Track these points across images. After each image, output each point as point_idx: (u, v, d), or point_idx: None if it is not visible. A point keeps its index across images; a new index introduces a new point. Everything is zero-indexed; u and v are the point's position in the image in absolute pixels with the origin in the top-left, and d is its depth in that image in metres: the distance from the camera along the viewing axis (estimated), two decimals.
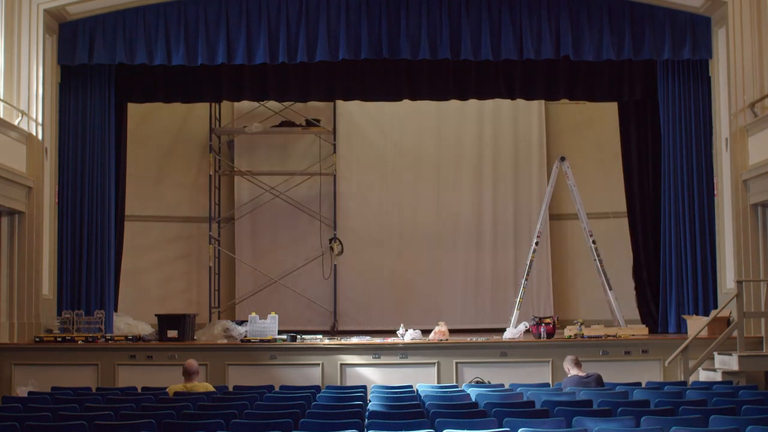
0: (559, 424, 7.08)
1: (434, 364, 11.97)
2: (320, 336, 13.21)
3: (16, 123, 11.96)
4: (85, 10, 12.77)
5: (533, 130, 16.89)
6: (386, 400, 8.53)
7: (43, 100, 12.40)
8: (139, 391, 9.65)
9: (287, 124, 16.25)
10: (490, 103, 16.22)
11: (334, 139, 16.42)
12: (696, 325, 12.00)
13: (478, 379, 11.51)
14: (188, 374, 9.31)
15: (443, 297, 16.38)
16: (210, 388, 9.40)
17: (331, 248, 16.00)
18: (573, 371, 9.67)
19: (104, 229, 13.20)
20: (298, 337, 12.69)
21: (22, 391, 10.64)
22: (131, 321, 13.50)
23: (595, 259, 14.27)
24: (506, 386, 9.87)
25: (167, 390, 9.17)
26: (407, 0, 12.88)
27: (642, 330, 13.17)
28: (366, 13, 12.85)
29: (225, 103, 16.48)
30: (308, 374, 11.88)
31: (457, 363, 11.96)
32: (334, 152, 16.24)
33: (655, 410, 7.63)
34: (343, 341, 12.60)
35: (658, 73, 13.57)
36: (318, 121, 16.36)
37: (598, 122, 16.53)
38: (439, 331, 12.58)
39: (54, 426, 7.12)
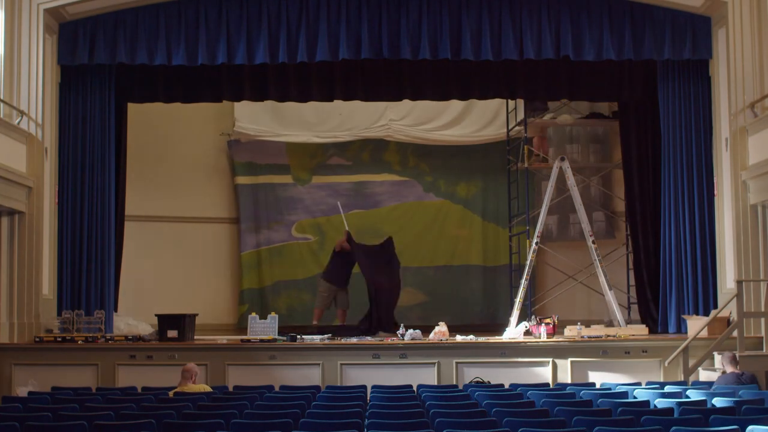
0: (559, 424, 7.09)
1: (434, 364, 11.97)
2: (319, 336, 13.21)
3: (16, 123, 11.96)
4: (85, 10, 12.76)
5: None
6: (386, 400, 8.54)
7: (43, 100, 12.40)
8: (139, 391, 9.65)
9: (595, 116, 16.06)
10: None
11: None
12: (696, 325, 12.00)
13: (478, 379, 11.51)
14: (183, 376, 9.36)
15: None
16: (207, 389, 9.41)
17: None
18: (729, 369, 9.74)
19: (104, 229, 13.19)
20: (298, 337, 12.70)
21: (22, 391, 10.64)
22: (132, 321, 13.50)
23: (595, 259, 14.28)
24: (506, 386, 9.87)
25: (169, 394, 9.19)
26: (407, 0, 12.90)
27: (642, 330, 13.18)
28: (366, 13, 12.86)
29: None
30: (308, 374, 11.86)
31: (457, 363, 11.96)
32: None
33: (656, 410, 7.64)
34: (343, 341, 12.61)
35: (658, 73, 13.56)
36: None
37: None
38: (439, 332, 12.58)
39: (54, 426, 7.12)
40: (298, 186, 17.18)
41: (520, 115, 16.52)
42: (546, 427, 6.98)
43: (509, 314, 13.99)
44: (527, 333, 12.86)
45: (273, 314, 12.72)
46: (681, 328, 12.88)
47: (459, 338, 12.49)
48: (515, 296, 14.30)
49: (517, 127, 16.35)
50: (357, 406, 7.91)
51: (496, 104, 16.36)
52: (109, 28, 12.80)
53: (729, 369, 9.76)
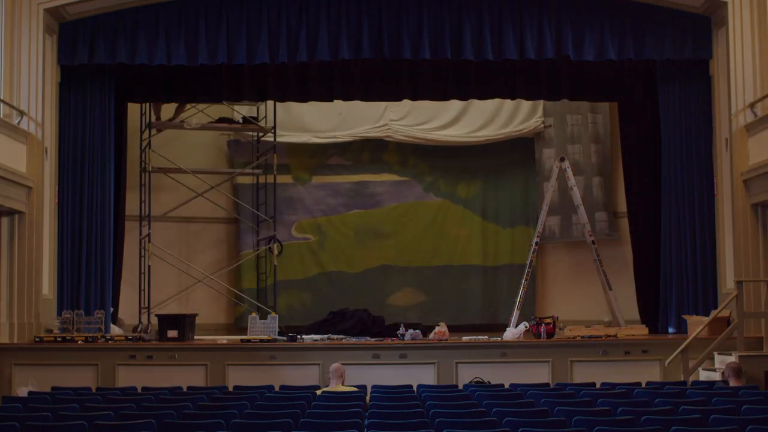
0: (559, 424, 7.08)
1: (434, 363, 11.96)
2: (319, 336, 13.21)
3: (16, 123, 11.96)
4: (85, 10, 12.77)
5: None
6: (386, 400, 8.53)
7: (43, 100, 12.40)
8: (139, 391, 9.64)
9: (225, 120, 15.95)
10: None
11: (274, 137, 15.80)
12: (696, 325, 12.00)
13: (478, 379, 11.51)
14: (334, 376, 9.33)
15: None
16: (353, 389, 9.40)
17: (271, 249, 15.74)
18: (732, 382, 9.44)
19: (104, 229, 13.20)
20: (298, 337, 12.70)
21: (22, 391, 10.63)
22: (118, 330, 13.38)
23: (595, 259, 14.28)
24: (506, 386, 9.87)
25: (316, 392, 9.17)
26: (409, 0, 12.90)
27: (642, 330, 13.18)
28: (367, 13, 12.86)
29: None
30: (308, 374, 11.87)
31: (456, 363, 11.96)
32: (274, 151, 15.75)
33: (655, 410, 7.63)
34: (343, 341, 12.60)
35: (658, 72, 13.59)
36: (255, 118, 16.11)
37: None
38: (439, 331, 12.58)
39: (54, 426, 7.12)
40: (298, 186, 17.16)
41: (523, 113, 16.57)
42: (546, 427, 6.97)
43: (509, 314, 14.00)
44: (527, 333, 12.86)
45: (273, 314, 12.73)
46: (681, 328, 12.88)
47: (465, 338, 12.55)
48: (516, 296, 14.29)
49: (527, 126, 16.48)
50: (357, 406, 7.90)
51: (495, 104, 16.37)
52: (109, 28, 12.80)
53: (732, 383, 9.44)
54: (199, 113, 15.82)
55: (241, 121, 16.05)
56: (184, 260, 15.82)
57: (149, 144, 14.90)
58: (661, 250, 13.60)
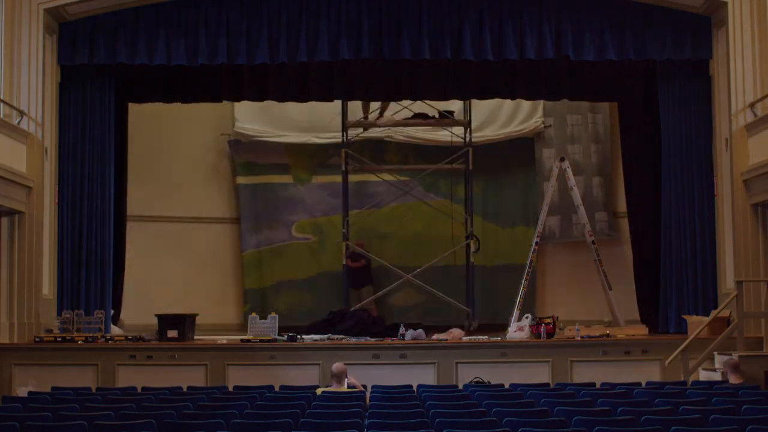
0: (559, 424, 7.09)
1: (434, 363, 11.96)
2: (319, 336, 13.21)
3: (16, 123, 11.96)
4: (85, 10, 12.78)
5: None
6: (386, 400, 8.53)
7: (43, 100, 12.41)
8: (139, 391, 9.64)
9: (420, 116, 15.85)
10: None
11: (470, 132, 15.80)
12: (696, 325, 11.99)
13: (478, 379, 11.51)
14: (338, 379, 9.20)
15: None
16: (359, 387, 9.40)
17: (468, 245, 15.73)
18: (731, 378, 9.48)
19: (104, 229, 13.20)
20: (298, 337, 12.71)
21: (22, 391, 10.63)
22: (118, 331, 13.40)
23: (594, 259, 14.28)
24: (506, 386, 9.87)
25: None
26: (409, 0, 12.90)
27: (642, 330, 13.17)
28: (367, 13, 12.87)
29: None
30: (308, 374, 11.87)
31: (456, 363, 11.96)
32: (470, 146, 15.69)
33: (655, 410, 7.63)
34: (343, 341, 12.60)
35: (658, 72, 13.58)
36: (451, 113, 16.00)
37: None
38: (451, 333, 12.63)
39: (54, 426, 7.12)
40: (298, 186, 17.17)
41: (523, 113, 16.57)
42: (546, 427, 6.97)
43: (509, 314, 13.99)
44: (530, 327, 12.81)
45: (273, 314, 12.73)
46: (681, 328, 12.88)
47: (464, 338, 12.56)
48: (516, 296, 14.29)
49: (527, 126, 16.50)
50: (357, 406, 7.91)
51: (495, 104, 16.36)
52: (109, 28, 12.81)
53: (732, 379, 9.50)
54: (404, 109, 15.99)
55: (437, 116, 15.87)
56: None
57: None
58: (661, 250, 13.59)
